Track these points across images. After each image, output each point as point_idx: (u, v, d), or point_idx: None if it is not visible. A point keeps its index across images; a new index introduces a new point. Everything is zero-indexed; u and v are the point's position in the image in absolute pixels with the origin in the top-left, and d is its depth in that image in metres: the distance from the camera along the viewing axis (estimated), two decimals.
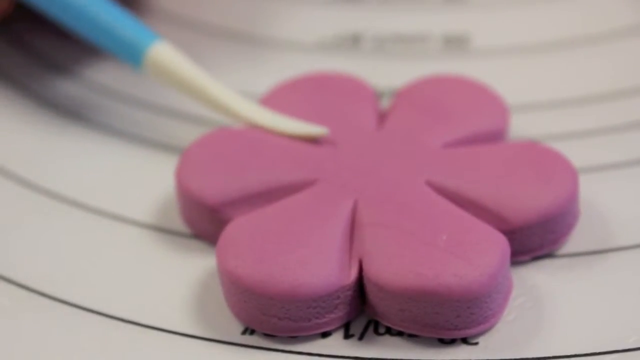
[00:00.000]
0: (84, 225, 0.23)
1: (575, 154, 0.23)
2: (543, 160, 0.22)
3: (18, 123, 0.27)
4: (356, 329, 0.21)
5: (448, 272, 0.20)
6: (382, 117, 0.24)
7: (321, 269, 0.20)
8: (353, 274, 0.20)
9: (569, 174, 0.22)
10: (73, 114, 0.26)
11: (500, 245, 0.20)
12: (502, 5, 0.30)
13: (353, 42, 0.28)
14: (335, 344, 0.20)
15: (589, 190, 0.23)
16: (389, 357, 0.20)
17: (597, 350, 0.20)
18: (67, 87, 0.28)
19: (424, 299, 0.19)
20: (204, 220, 0.22)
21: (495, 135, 0.23)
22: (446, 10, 0.30)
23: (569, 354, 0.20)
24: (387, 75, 0.27)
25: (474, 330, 0.20)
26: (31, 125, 0.27)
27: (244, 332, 0.21)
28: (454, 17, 0.29)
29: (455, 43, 0.28)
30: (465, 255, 0.20)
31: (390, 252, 0.20)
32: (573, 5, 0.29)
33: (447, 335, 0.20)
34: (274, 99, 0.24)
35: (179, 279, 0.22)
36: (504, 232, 0.21)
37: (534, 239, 0.21)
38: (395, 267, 0.20)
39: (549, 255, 0.22)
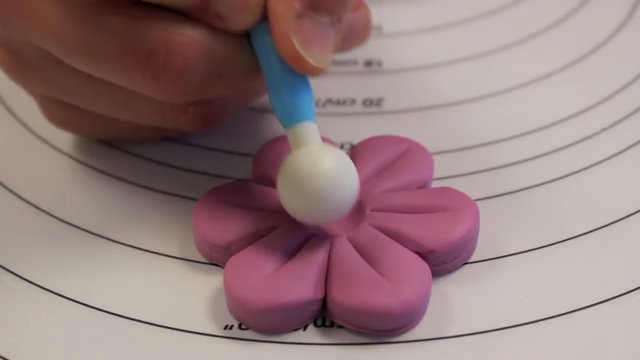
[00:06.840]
0: (121, 257, 0.28)
1: (474, 189, 0.28)
2: (453, 200, 0.27)
3: None
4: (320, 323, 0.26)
5: (381, 294, 0.24)
6: None
7: (300, 288, 0.25)
8: (321, 293, 0.25)
9: (473, 210, 0.27)
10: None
11: (423, 269, 0.25)
12: (410, 73, 0.34)
13: None
14: (306, 334, 0.25)
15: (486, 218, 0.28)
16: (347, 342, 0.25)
17: (496, 327, 0.25)
18: None
19: (366, 314, 0.25)
20: (213, 252, 0.27)
21: (423, 182, 0.28)
22: (365, 78, 0.34)
23: (478, 330, 0.25)
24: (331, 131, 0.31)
25: (407, 329, 0.25)
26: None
27: (239, 327, 0.26)
28: (371, 84, 0.34)
29: (373, 105, 0.33)
30: (397, 280, 0.25)
31: (344, 279, 0.25)
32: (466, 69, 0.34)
33: (385, 337, 0.25)
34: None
35: (197, 293, 0.26)
36: (424, 256, 0.26)
37: (447, 260, 0.26)
38: (345, 290, 0.25)
39: (458, 269, 0.27)
